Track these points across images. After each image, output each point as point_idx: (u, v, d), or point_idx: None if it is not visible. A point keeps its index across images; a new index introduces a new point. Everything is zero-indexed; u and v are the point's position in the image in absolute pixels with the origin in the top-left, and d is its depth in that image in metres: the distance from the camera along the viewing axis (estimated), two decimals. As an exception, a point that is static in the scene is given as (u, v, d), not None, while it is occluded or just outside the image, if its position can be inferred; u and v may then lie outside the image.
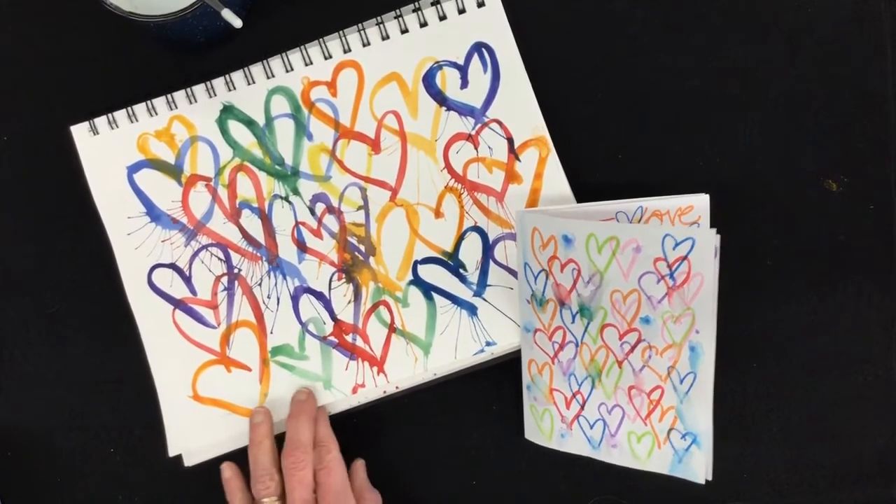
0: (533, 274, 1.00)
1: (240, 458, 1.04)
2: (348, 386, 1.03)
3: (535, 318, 1.01)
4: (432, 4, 1.03)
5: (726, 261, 0.97)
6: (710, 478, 0.97)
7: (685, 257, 0.93)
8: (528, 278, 1.00)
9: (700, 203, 0.95)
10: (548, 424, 1.02)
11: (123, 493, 1.07)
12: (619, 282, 0.95)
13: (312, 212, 1.03)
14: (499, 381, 1.05)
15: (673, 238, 0.93)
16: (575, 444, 1.02)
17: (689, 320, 0.94)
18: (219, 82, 1.03)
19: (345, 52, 1.03)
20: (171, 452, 1.03)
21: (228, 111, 1.03)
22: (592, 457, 1.01)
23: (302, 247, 1.03)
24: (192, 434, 1.04)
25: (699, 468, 0.97)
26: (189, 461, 1.04)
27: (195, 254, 1.03)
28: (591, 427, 1.00)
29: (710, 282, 0.93)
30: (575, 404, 1.00)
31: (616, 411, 0.99)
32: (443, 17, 1.03)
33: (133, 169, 1.03)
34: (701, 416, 0.96)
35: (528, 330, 1.01)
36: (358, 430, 1.06)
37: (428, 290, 1.03)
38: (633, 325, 0.96)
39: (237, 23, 0.97)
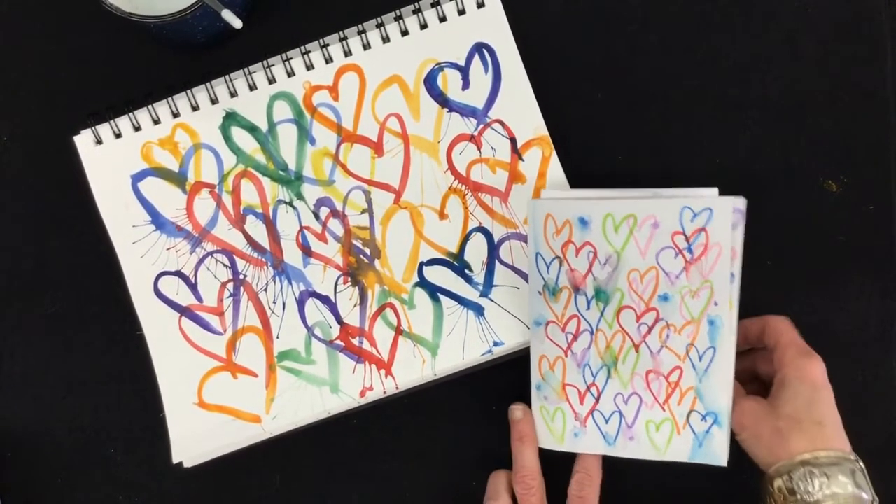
0: (545, 263, 0.99)
1: (241, 458, 1.05)
2: (356, 389, 1.03)
3: (547, 310, 1.00)
4: (432, 6, 1.03)
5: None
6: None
7: (703, 228, 0.93)
8: (541, 268, 0.99)
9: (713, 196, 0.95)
10: (559, 425, 1.01)
11: (123, 493, 1.07)
12: (636, 260, 0.95)
13: (317, 216, 1.03)
14: (499, 380, 1.05)
15: (691, 210, 0.93)
16: (589, 443, 1.01)
17: (707, 293, 0.94)
18: (221, 89, 1.03)
19: (346, 55, 1.03)
20: (175, 459, 1.03)
21: (231, 118, 1.03)
22: (608, 454, 1.00)
23: (307, 251, 1.03)
24: (196, 441, 1.03)
25: (721, 450, 0.96)
26: (189, 462, 1.04)
27: (200, 261, 1.03)
28: (607, 421, 0.99)
29: (728, 252, 0.92)
30: (589, 398, 1.00)
31: (633, 400, 0.98)
32: (443, 19, 1.03)
33: (137, 178, 1.03)
34: (721, 393, 0.95)
35: (539, 323, 1.01)
36: (358, 431, 1.06)
37: (434, 291, 1.04)
38: (650, 304, 0.96)
39: (237, 23, 0.97)
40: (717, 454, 0.96)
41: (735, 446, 0.95)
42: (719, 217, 0.92)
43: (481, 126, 1.03)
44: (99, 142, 1.03)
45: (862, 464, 0.88)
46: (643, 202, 0.95)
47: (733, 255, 0.93)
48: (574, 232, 0.97)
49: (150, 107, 1.03)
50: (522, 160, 1.03)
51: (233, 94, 1.03)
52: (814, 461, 0.86)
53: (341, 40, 1.03)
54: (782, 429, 0.89)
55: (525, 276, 1.03)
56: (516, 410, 1.02)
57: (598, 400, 0.99)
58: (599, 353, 0.99)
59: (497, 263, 1.03)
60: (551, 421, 1.02)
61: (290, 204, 1.03)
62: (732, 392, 0.95)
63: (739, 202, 0.93)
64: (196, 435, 1.03)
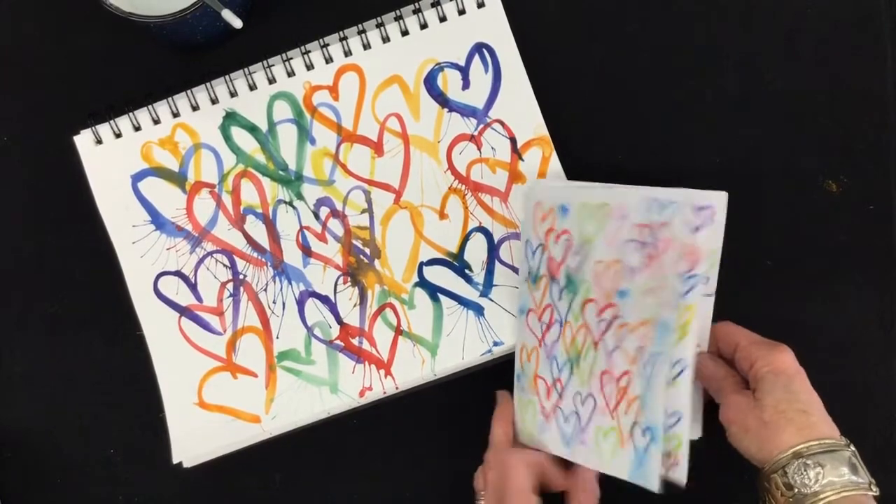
0: (532, 250, 0.99)
1: (241, 458, 1.05)
2: (355, 389, 1.03)
3: (529, 298, 0.99)
4: (432, 6, 1.03)
5: (726, 261, 0.96)
6: (663, 489, 0.89)
7: (667, 223, 0.87)
8: (528, 255, 0.99)
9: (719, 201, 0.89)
10: (530, 418, 0.99)
11: (123, 493, 1.07)
12: (602, 251, 0.92)
13: (317, 216, 1.03)
14: (499, 381, 1.04)
15: (658, 202, 0.88)
16: (551, 441, 0.97)
17: (664, 294, 0.87)
18: (221, 89, 1.03)
19: (346, 55, 1.03)
20: (175, 459, 1.03)
21: (231, 118, 1.03)
22: (565, 457, 0.96)
23: (307, 251, 1.03)
24: (197, 441, 1.04)
25: (652, 474, 0.88)
26: (189, 462, 1.04)
27: (200, 261, 1.03)
28: (566, 420, 0.96)
29: (686, 251, 0.86)
30: (554, 393, 0.97)
31: (588, 402, 0.94)
32: (443, 19, 1.03)
33: (137, 177, 1.03)
34: (660, 406, 0.88)
35: (523, 311, 1.00)
36: (358, 431, 1.07)
37: (434, 291, 1.04)
38: (611, 299, 0.92)
39: (237, 23, 0.97)
40: (651, 478, 0.89)
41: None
42: (682, 213, 0.86)
43: (481, 126, 1.03)
44: (99, 142, 1.03)
45: (853, 447, 0.87)
46: (618, 192, 0.92)
47: (699, 257, 0.86)
48: (556, 219, 0.96)
49: (150, 107, 1.03)
50: (522, 160, 1.03)
51: (233, 94, 1.03)
52: (806, 452, 0.85)
53: (341, 40, 1.03)
54: (768, 421, 0.87)
55: (525, 277, 1.03)
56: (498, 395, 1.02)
57: (560, 396, 0.96)
58: (566, 347, 0.96)
59: (497, 263, 1.04)
60: (524, 413, 1.00)
61: (290, 204, 1.03)
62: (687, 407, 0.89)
63: (713, 198, 0.86)
64: (196, 435, 1.03)
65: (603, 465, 0.93)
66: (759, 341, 0.93)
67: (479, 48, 1.03)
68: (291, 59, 1.03)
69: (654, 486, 0.88)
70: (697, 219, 0.86)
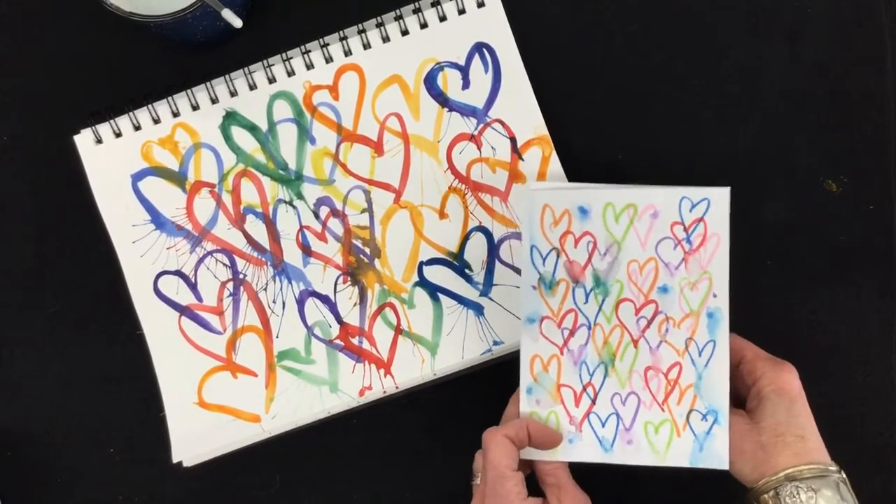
0: (541, 256, 0.97)
1: (241, 458, 1.05)
2: (355, 389, 1.03)
3: (542, 306, 0.97)
4: (432, 5, 1.03)
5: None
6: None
7: (701, 218, 0.93)
8: (536, 262, 0.97)
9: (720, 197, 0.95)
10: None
11: (123, 493, 1.07)
12: (636, 251, 0.94)
13: (317, 215, 1.03)
14: (499, 380, 1.04)
15: (689, 200, 0.93)
16: (584, 450, 0.96)
17: (706, 285, 0.93)
18: (221, 88, 1.03)
19: (346, 55, 1.03)
20: (175, 458, 1.03)
21: (231, 117, 1.03)
22: (604, 462, 0.96)
23: (307, 251, 1.03)
24: (197, 440, 1.04)
25: (723, 452, 0.92)
26: (189, 462, 1.04)
27: (200, 260, 1.03)
28: (604, 425, 0.96)
29: (725, 242, 0.93)
30: (585, 399, 0.96)
31: (631, 400, 0.95)
32: (443, 18, 1.03)
33: (137, 177, 1.03)
34: (721, 389, 0.93)
35: (533, 320, 0.97)
36: (358, 430, 1.07)
37: (434, 290, 1.04)
38: (650, 296, 0.95)
39: (237, 23, 0.98)
40: (720, 456, 0.93)
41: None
42: (717, 207, 0.93)
43: (481, 126, 1.03)
44: (99, 141, 1.03)
45: (843, 474, 0.88)
46: (643, 192, 0.94)
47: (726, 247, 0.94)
48: (574, 222, 0.95)
49: (150, 106, 1.03)
50: (522, 160, 1.03)
51: (233, 94, 1.03)
52: (799, 476, 0.86)
53: (341, 40, 1.03)
54: (765, 444, 0.89)
55: (526, 276, 1.03)
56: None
57: (594, 401, 0.96)
58: (597, 350, 0.96)
59: (497, 263, 1.04)
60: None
61: (290, 203, 1.03)
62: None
63: (725, 192, 0.94)
64: (196, 434, 1.03)
65: (657, 458, 0.95)
66: (764, 357, 0.94)
67: (479, 48, 1.03)
68: (291, 58, 1.03)
69: (725, 464, 0.92)
70: (723, 211, 0.94)
